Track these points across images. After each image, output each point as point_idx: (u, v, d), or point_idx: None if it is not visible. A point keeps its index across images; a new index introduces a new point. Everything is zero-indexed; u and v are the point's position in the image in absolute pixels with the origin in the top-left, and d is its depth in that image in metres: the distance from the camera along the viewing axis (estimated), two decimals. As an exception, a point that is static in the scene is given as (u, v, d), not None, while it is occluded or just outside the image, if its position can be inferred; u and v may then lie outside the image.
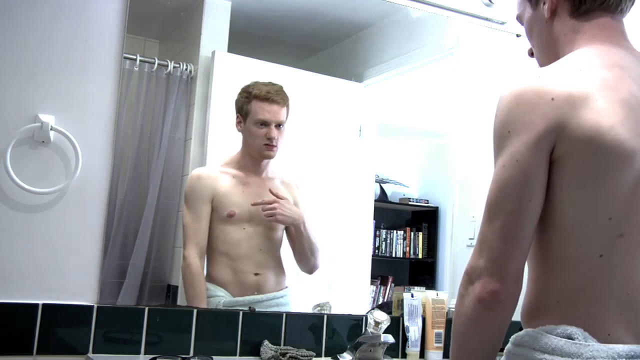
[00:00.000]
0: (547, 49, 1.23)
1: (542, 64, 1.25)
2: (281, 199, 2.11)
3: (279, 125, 2.11)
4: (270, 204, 2.09)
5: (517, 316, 1.15)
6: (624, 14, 1.21)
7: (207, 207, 2.04)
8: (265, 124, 2.09)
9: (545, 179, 1.06)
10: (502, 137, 1.08)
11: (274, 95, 2.10)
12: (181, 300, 2.02)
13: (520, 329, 1.13)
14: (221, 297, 2.02)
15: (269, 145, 2.10)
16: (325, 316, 2.05)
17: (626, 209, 1.05)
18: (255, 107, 2.09)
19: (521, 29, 1.33)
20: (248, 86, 2.11)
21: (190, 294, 1.99)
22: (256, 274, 2.07)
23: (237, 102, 2.12)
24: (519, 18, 1.31)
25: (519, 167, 1.04)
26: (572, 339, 1.02)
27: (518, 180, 1.05)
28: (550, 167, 1.06)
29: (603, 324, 1.05)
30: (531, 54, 1.31)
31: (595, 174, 1.03)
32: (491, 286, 1.04)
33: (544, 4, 1.22)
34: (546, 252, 1.10)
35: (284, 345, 1.94)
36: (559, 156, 1.05)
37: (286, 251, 2.17)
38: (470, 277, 1.07)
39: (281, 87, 2.13)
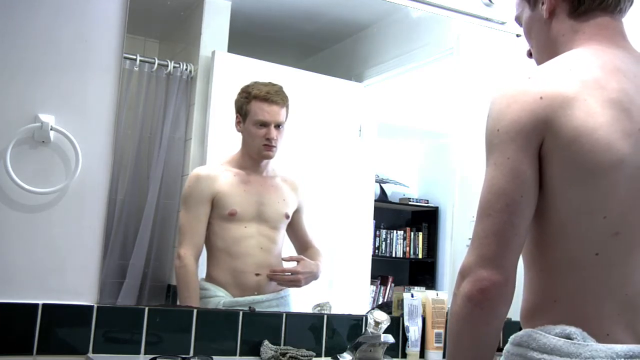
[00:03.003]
0: (546, 50, 1.24)
1: (540, 64, 1.25)
2: (297, 261, 2.15)
3: (278, 126, 2.11)
4: (292, 273, 2.12)
5: (518, 316, 1.15)
6: (623, 14, 1.21)
7: (206, 208, 2.04)
8: (264, 124, 2.09)
9: (537, 176, 1.06)
10: (492, 136, 1.09)
11: (274, 95, 2.10)
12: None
13: (520, 329, 1.13)
14: (221, 297, 2.01)
15: (268, 146, 2.10)
16: (325, 316, 2.05)
17: (621, 208, 1.05)
18: (255, 107, 2.09)
19: (521, 29, 1.33)
20: (248, 86, 2.11)
21: (185, 295, 1.99)
22: (257, 274, 2.07)
23: (236, 102, 2.12)
24: (518, 19, 1.32)
25: (510, 164, 1.05)
26: (570, 339, 1.02)
27: (509, 177, 1.05)
28: (541, 164, 1.07)
29: (601, 323, 1.05)
30: (530, 55, 1.31)
31: (586, 173, 1.04)
32: (480, 284, 1.04)
33: (543, 4, 1.22)
34: (543, 251, 1.10)
35: (284, 345, 1.94)
36: (547, 153, 1.06)
37: (286, 252, 2.17)
38: (461, 275, 1.07)
39: (281, 88, 2.13)
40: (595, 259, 1.05)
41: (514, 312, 2.40)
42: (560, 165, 1.05)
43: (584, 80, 1.07)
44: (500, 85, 1.12)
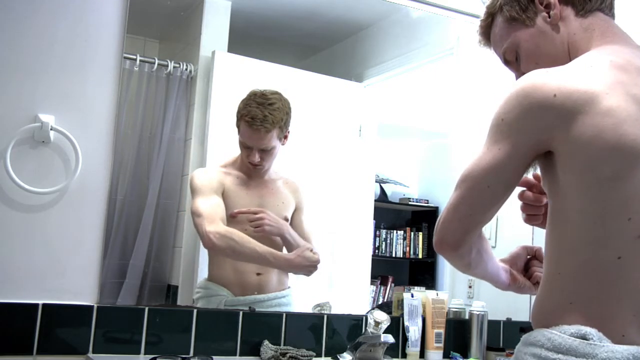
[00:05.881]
0: (560, 56, 1.21)
1: None
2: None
3: (263, 150, 2.06)
4: (257, 214, 2.08)
5: (518, 316, 1.15)
6: (614, 15, 1.24)
7: (221, 198, 2.03)
8: (247, 147, 2.07)
9: (517, 177, 1.12)
10: (496, 124, 1.12)
11: (258, 122, 2.02)
12: (181, 300, 2.03)
13: (521, 330, 1.13)
14: (223, 297, 2.02)
15: (253, 165, 2.08)
16: (325, 316, 2.05)
17: None
18: (242, 128, 2.06)
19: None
20: (244, 100, 2.06)
21: (250, 249, 2.00)
22: (258, 274, 2.07)
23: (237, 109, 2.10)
24: (507, 52, 1.28)
25: (497, 155, 1.09)
26: (586, 339, 1.01)
27: (489, 166, 1.10)
28: (554, 165, 1.07)
29: (617, 324, 1.03)
30: None
31: (610, 170, 1.02)
32: (435, 241, 1.18)
33: (548, 12, 1.22)
34: (561, 253, 1.09)
35: (284, 345, 1.94)
36: (563, 154, 1.05)
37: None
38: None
39: (271, 112, 2.03)
40: (617, 263, 1.03)
41: (514, 313, 2.39)
42: (582, 164, 1.03)
43: (605, 77, 1.06)
44: (521, 78, 1.12)
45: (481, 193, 1.11)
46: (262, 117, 2.03)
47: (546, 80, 1.07)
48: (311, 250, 2.11)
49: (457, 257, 1.19)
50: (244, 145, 2.07)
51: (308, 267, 2.10)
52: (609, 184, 1.02)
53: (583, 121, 1.02)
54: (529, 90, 1.07)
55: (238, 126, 2.07)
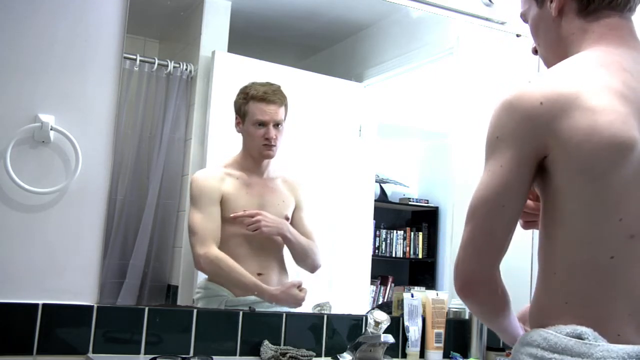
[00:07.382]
0: (554, 48, 1.22)
1: (549, 62, 1.24)
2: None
3: (277, 125, 2.11)
4: (253, 216, 2.08)
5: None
6: (633, 12, 1.20)
7: (218, 208, 2.04)
8: (262, 124, 2.09)
9: (526, 188, 1.09)
10: (491, 143, 1.11)
11: (271, 95, 2.10)
12: (181, 300, 2.03)
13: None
14: (224, 297, 2.02)
15: (268, 145, 2.11)
16: (325, 316, 2.05)
17: (637, 209, 1.04)
18: (253, 108, 2.09)
19: (521, 29, 1.32)
20: (246, 87, 2.11)
21: (235, 279, 2.02)
22: (259, 274, 2.07)
23: (235, 103, 2.12)
24: (523, 16, 1.30)
25: (501, 173, 1.08)
26: (582, 339, 1.01)
27: (497, 185, 1.08)
28: (546, 168, 1.07)
29: (612, 324, 1.03)
30: (535, 52, 1.30)
31: (600, 173, 1.02)
32: (459, 285, 1.12)
33: (552, 2, 1.21)
34: (555, 254, 1.09)
35: (284, 345, 1.94)
36: (556, 158, 1.05)
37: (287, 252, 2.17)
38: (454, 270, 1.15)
39: (279, 87, 2.13)
40: (610, 262, 1.04)
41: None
42: (573, 167, 1.04)
43: (592, 78, 1.06)
44: (503, 93, 1.12)
45: (499, 214, 1.09)
46: (272, 91, 2.11)
47: (531, 89, 1.08)
48: (299, 287, 2.10)
49: (487, 294, 1.13)
50: (258, 123, 2.09)
51: (292, 304, 2.09)
52: (599, 185, 1.03)
53: (570, 125, 1.03)
54: (517, 102, 1.08)
55: (245, 111, 2.09)
